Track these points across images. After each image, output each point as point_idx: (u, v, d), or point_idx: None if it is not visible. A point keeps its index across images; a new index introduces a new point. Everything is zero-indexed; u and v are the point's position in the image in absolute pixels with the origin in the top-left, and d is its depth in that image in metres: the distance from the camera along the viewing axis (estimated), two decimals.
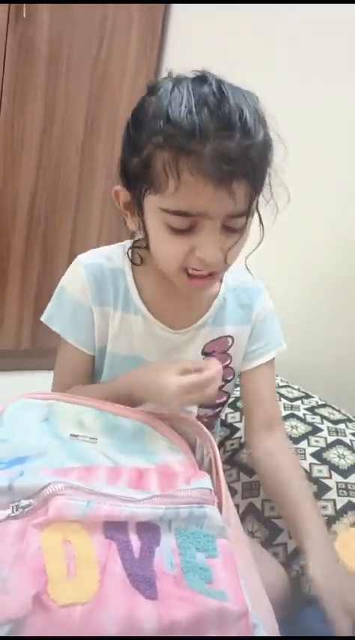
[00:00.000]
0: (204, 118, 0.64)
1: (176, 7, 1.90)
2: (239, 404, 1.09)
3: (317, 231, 1.36)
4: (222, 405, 0.94)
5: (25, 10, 1.68)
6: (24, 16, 1.68)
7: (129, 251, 0.84)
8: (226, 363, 0.88)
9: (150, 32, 1.90)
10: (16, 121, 1.78)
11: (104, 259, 0.85)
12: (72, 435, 0.66)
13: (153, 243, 0.75)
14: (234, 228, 0.71)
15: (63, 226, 1.91)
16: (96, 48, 1.84)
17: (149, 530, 0.55)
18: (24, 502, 0.54)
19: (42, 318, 0.86)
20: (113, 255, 0.85)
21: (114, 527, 0.53)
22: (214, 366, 0.73)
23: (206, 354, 0.87)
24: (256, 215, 0.75)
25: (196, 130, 0.64)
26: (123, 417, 0.72)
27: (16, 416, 0.65)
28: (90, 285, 0.83)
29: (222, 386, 0.89)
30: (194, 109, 0.64)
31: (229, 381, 0.90)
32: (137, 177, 0.71)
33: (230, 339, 0.87)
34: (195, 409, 0.89)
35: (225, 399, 0.94)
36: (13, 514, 0.53)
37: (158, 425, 0.73)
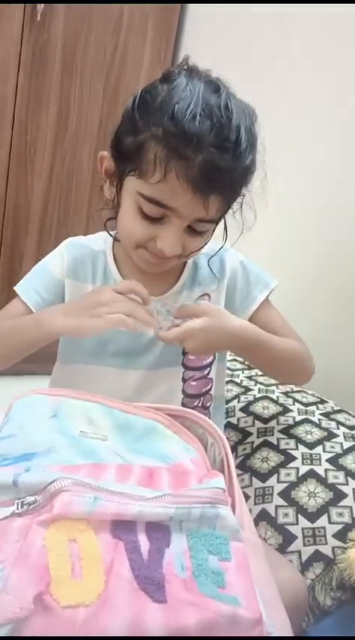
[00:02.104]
0: (205, 130, 0.67)
1: (190, 13, 1.90)
2: (251, 408, 1.06)
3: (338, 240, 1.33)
4: (206, 393, 0.93)
5: (39, 14, 1.68)
6: (38, 19, 1.68)
7: (107, 222, 0.87)
8: None
9: (164, 38, 1.90)
10: (29, 126, 1.78)
11: (88, 241, 0.92)
12: (81, 432, 0.64)
13: (122, 219, 0.79)
14: (198, 230, 0.76)
15: (75, 230, 1.90)
16: (110, 53, 1.84)
17: (159, 530, 0.52)
18: (29, 498, 0.52)
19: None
20: (98, 239, 0.91)
21: (122, 527, 0.51)
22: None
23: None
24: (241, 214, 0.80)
25: (195, 138, 0.67)
26: (134, 415, 0.70)
27: (24, 412, 0.63)
28: (68, 261, 0.88)
29: (207, 373, 0.90)
30: (198, 117, 0.67)
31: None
32: (126, 156, 0.74)
33: (207, 297, 0.90)
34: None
35: (209, 386, 0.93)
36: (17, 511, 0.51)
37: (169, 423, 0.70)
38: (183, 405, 0.89)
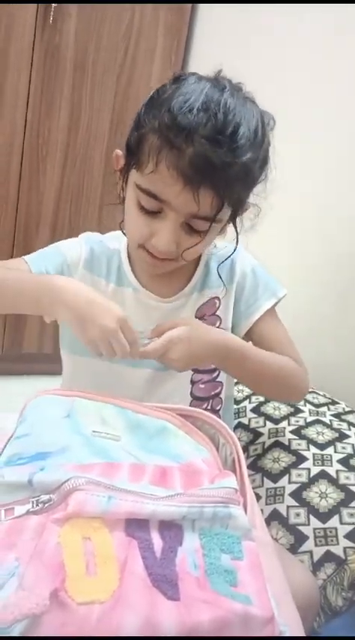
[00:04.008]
0: (198, 122, 0.69)
1: (201, 15, 1.90)
2: (262, 409, 1.06)
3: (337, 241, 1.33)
4: (216, 396, 0.93)
5: (51, 16, 1.69)
6: (50, 22, 1.69)
7: (122, 223, 0.87)
8: (217, 324, 0.91)
9: (175, 39, 1.91)
10: (41, 127, 1.79)
11: (104, 239, 0.92)
12: (94, 432, 0.65)
13: (125, 214, 0.81)
14: (195, 228, 0.76)
15: (87, 229, 1.91)
16: (121, 56, 1.85)
17: (171, 529, 0.53)
18: (44, 497, 0.53)
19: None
20: (113, 238, 0.92)
21: (135, 525, 0.51)
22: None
23: (198, 318, 0.90)
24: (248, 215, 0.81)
25: (187, 129, 0.68)
26: (146, 415, 0.70)
27: (38, 411, 0.64)
28: (86, 253, 0.89)
29: (217, 376, 0.90)
30: (194, 110, 0.69)
31: None
32: (130, 150, 0.77)
33: (217, 301, 0.91)
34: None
35: (219, 389, 0.93)
36: (32, 509, 0.52)
37: (181, 423, 0.71)
38: (192, 406, 0.89)
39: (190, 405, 0.90)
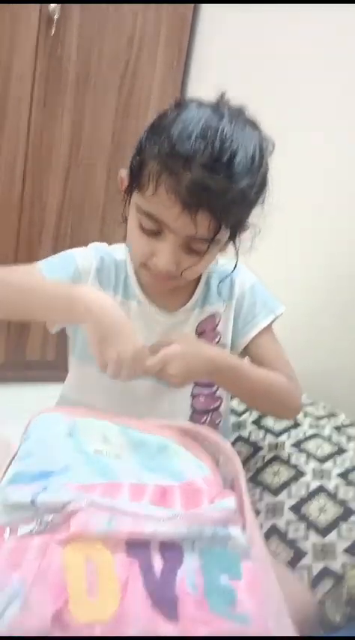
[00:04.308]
0: (196, 149, 0.71)
1: (202, 26, 1.92)
2: (263, 421, 1.07)
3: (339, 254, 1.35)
4: (216, 410, 0.94)
5: (54, 28, 1.71)
6: (52, 34, 1.71)
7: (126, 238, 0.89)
8: (216, 340, 0.93)
9: (176, 51, 1.92)
10: (44, 139, 1.80)
11: (112, 250, 0.94)
12: (96, 451, 0.66)
13: (128, 234, 0.84)
14: (194, 249, 0.78)
15: (89, 242, 1.92)
16: (123, 66, 1.87)
17: (172, 549, 0.54)
18: (47, 517, 0.54)
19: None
20: (120, 249, 0.93)
21: (136, 546, 0.53)
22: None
23: (199, 334, 0.92)
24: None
25: (185, 156, 0.71)
26: (148, 433, 0.71)
27: (42, 430, 0.65)
28: (97, 264, 0.90)
29: (216, 390, 0.93)
30: (192, 137, 0.71)
31: None
32: (133, 172, 0.79)
33: (217, 317, 0.93)
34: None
35: (218, 403, 0.95)
36: (35, 529, 0.53)
37: (183, 441, 0.72)
38: (192, 420, 0.90)
39: (190, 418, 0.91)
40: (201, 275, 0.92)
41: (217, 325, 0.93)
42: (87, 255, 0.91)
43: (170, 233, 0.76)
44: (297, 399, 0.94)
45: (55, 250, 1.87)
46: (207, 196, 0.71)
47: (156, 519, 0.55)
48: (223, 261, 0.92)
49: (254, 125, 0.79)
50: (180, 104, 0.78)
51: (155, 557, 0.53)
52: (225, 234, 0.79)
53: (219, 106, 0.76)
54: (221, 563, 0.55)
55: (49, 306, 0.81)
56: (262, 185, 0.79)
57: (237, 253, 0.84)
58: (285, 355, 0.94)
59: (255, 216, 0.81)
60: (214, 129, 0.72)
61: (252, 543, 0.61)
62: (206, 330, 0.92)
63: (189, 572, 0.53)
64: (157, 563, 0.52)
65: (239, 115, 0.77)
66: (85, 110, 1.84)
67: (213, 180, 0.71)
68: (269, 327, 0.94)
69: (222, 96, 0.80)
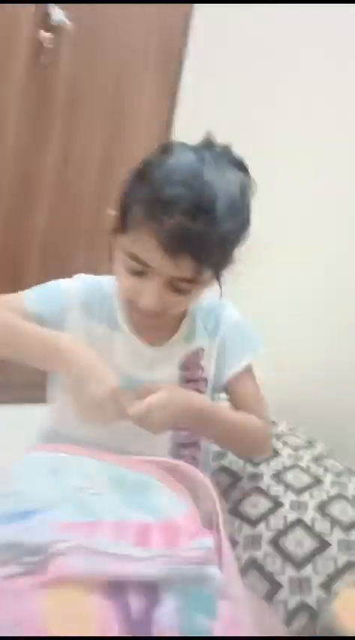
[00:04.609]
0: (177, 195, 0.74)
1: (191, 52, 1.95)
2: None
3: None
4: (195, 443, 0.96)
5: (44, 56, 1.73)
6: (42, 62, 1.74)
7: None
8: (199, 374, 0.95)
9: (164, 78, 1.95)
10: (32, 163, 1.82)
11: (100, 282, 0.95)
12: (78, 488, 0.67)
13: (114, 272, 0.86)
14: (179, 288, 0.80)
15: (75, 268, 1.93)
16: (112, 94, 1.89)
17: (149, 590, 0.55)
18: (28, 559, 0.55)
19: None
20: (107, 281, 0.95)
21: (114, 588, 0.54)
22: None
23: (183, 368, 0.94)
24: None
25: (167, 202, 0.74)
26: (129, 469, 0.73)
27: (26, 468, 0.67)
28: (82, 295, 0.92)
29: None
30: (174, 183, 0.74)
31: (202, 392, 0.94)
32: (118, 215, 0.82)
33: (201, 352, 0.95)
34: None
35: (198, 437, 0.96)
36: (16, 571, 0.54)
37: (163, 477, 0.73)
38: (172, 453, 0.92)
39: (171, 451, 0.92)
40: (186, 310, 0.94)
41: (201, 360, 0.94)
42: (73, 287, 0.93)
43: (154, 274, 0.79)
44: (268, 440, 1.00)
45: (41, 275, 1.88)
46: (189, 241, 0.74)
47: (136, 560, 0.56)
48: (210, 295, 0.93)
49: (239, 165, 0.82)
50: (165, 149, 0.80)
51: (132, 598, 0.54)
52: (208, 274, 0.81)
53: (202, 151, 0.79)
54: (197, 603, 0.57)
55: (25, 354, 0.84)
56: (244, 225, 0.81)
57: (221, 289, 0.86)
58: (261, 394, 0.98)
59: (241, 252, 0.84)
60: (195, 175, 0.75)
61: (229, 581, 0.62)
62: (190, 365, 0.94)
63: (165, 612, 0.54)
64: (134, 605, 0.54)
65: (223, 157, 0.80)
66: (73, 137, 1.86)
67: (194, 226, 0.73)
68: (250, 365, 0.96)
69: (208, 137, 0.83)
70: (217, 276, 0.84)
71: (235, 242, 0.81)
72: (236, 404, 0.97)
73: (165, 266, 0.77)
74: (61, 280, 0.95)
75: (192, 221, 0.74)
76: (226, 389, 0.97)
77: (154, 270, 0.78)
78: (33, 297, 0.90)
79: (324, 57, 1.43)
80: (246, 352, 0.96)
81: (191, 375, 0.93)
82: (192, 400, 0.86)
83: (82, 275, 0.97)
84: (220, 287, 0.86)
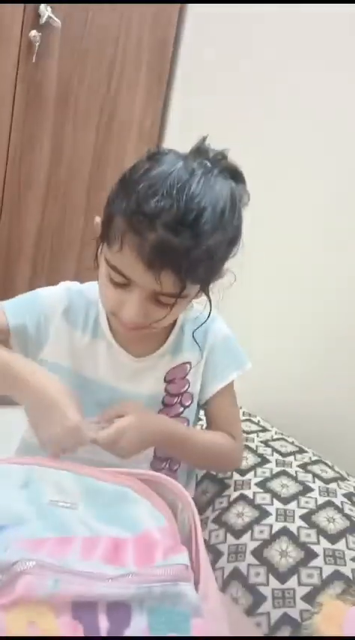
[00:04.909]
0: (161, 208, 0.70)
1: (183, 50, 1.93)
2: None
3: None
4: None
5: (35, 55, 1.72)
6: (33, 61, 1.72)
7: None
8: (185, 388, 0.93)
9: (156, 76, 1.94)
10: (23, 163, 1.81)
11: (85, 289, 0.93)
12: (51, 501, 0.66)
13: (99, 283, 0.84)
14: (162, 302, 0.77)
15: (67, 268, 1.92)
16: (104, 91, 1.88)
17: (119, 610, 0.54)
18: None
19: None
20: (91, 288, 0.92)
21: (82, 608, 0.52)
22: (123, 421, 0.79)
23: (168, 381, 0.92)
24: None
25: (149, 215, 0.70)
26: (106, 481, 0.71)
27: None
28: (65, 303, 0.90)
29: (180, 412, 0.93)
30: (158, 197, 0.70)
31: (187, 406, 0.93)
32: (103, 224, 0.79)
33: (188, 365, 0.92)
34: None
35: None
36: None
37: (141, 489, 0.72)
38: (152, 466, 0.90)
39: (151, 464, 0.91)
40: (174, 322, 0.91)
41: (187, 374, 0.92)
42: (55, 295, 0.91)
43: (136, 287, 0.76)
44: (239, 458, 1.00)
45: (34, 275, 1.87)
46: (171, 256, 0.71)
47: (105, 579, 0.54)
48: (198, 307, 0.91)
49: (233, 174, 0.78)
50: (152, 156, 0.76)
51: (101, 618, 0.52)
52: (194, 288, 0.78)
53: (191, 159, 0.75)
54: (169, 621, 0.55)
55: None
56: (234, 239, 0.78)
57: (210, 302, 0.84)
58: (238, 411, 0.98)
59: (232, 263, 0.81)
60: (181, 187, 0.71)
61: (205, 598, 0.61)
62: (175, 378, 0.92)
63: (136, 631, 0.53)
64: (103, 624, 0.52)
65: (215, 165, 0.76)
66: (65, 135, 1.85)
67: (177, 241, 0.70)
68: (231, 384, 0.95)
69: (200, 144, 0.78)
70: (205, 290, 0.81)
71: (223, 256, 0.78)
72: (212, 419, 0.96)
73: (147, 281, 0.74)
74: (40, 289, 0.93)
75: (175, 236, 0.70)
76: (205, 403, 0.95)
77: (135, 283, 0.76)
78: (12, 310, 0.88)
79: (319, 53, 1.41)
80: (232, 368, 0.94)
81: (176, 389, 0.92)
82: (162, 424, 0.86)
83: (67, 282, 0.95)
84: (209, 301, 0.84)
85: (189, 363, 0.92)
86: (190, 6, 1.88)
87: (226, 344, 0.95)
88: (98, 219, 0.83)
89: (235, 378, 0.94)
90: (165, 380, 0.91)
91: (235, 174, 0.79)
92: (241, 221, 0.78)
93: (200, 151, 0.78)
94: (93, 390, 0.89)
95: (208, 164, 0.76)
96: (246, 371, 0.95)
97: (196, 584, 0.60)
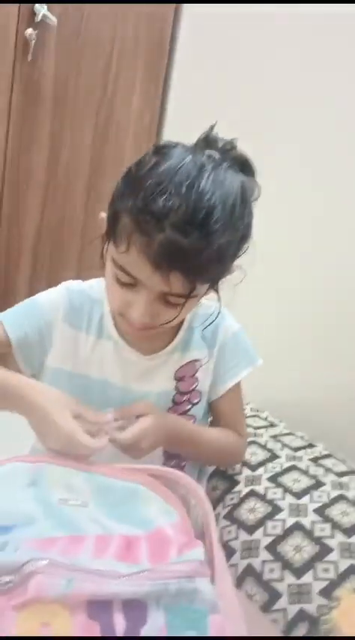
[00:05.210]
0: (170, 209, 0.66)
1: (180, 48, 1.92)
2: None
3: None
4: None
5: (30, 53, 1.71)
6: (29, 59, 1.71)
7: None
8: (194, 386, 0.91)
9: (154, 74, 1.92)
10: (22, 163, 1.79)
11: (87, 288, 0.90)
12: (61, 500, 0.64)
13: (105, 281, 0.81)
14: (171, 302, 0.74)
15: (67, 267, 1.91)
16: (101, 89, 1.86)
17: (135, 608, 0.52)
18: (4, 578, 0.52)
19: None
20: (96, 286, 0.90)
21: (98, 607, 0.51)
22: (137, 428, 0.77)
23: (178, 379, 0.89)
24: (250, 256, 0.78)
25: (157, 215, 0.67)
26: (116, 478, 0.69)
27: (3, 482, 0.63)
28: (66, 306, 0.87)
29: (188, 410, 0.91)
30: (167, 195, 0.67)
31: (195, 404, 0.91)
32: (109, 222, 0.76)
33: (197, 363, 0.90)
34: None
35: None
36: None
37: (152, 484, 0.70)
38: (163, 461, 0.89)
39: (162, 459, 0.89)
40: (183, 319, 0.89)
41: (197, 371, 0.90)
42: (54, 300, 0.88)
43: (143, 288, 0.73)
44: (242, 454, 1.00)
45: (34, 275, 1.85)
46: (180, 258, 0.68)
47: (120, 577, 0.53)
48: (207, 302, 0.88)
49: (243, 164, 0.74)
50: (158, 151, 0.72)
51: (117, 617, 0.51)
52: (203, 287, 0.76)
53: (200, 153, 0.72)
54: (187, 618, 0.54)
55: None
56: (244, 236, 0.75)
57: (219, 300, 0.82)
58: (243, 408, 0.97)
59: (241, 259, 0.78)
60: (190, 184, 0.67)
61: (222, 595, 0.59)
62: (185, 376, 0.89)
63: (153, 630, 0.51)
64: (120, 623, 0.51)
65: (224, 157, 0.72)
66: (63, 134, 1.83)
67: (186, 241, 0.66)
68: (240, 381, 0.93)
69: (208, 134, 0.75)
70: (214, 287, 0.79)
71: (234, 253, 0.75)
72: (219, 414, 0.94)
73: (155, 282, 0.70)
74: (39, 295, 0.89)
75: (185, 237, 0.66)
76: (213, 400, 0.93)
77: (143, 283, 0.72)
78: (11, 322, 0.86)
79: (317, 51, 1.40)
80: (242, 365, 0.92)
81: (186, 386, 0.89)
82: (177, 425, 0.85)
83: (68, 282, 0.91)
84: (219, 298, 0.81)
85: (199, 360, 0.90)
86: (186, 5, 1.87)
87: (236, 341, 0.92)
88: (103, 215, 0.79)
89: (246, 375, 0.92)
90: (174, 378, 0.89)
91: (245, 166, 0.75)
92: (251, 216, 0.75)
93: (208, 140, 0.74)
94: (102, 391, 0.87)
95: (217, 156, 0.72)
96: (256, 367, 0.93)
97: (212, 580, 0.59)
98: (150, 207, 0.67)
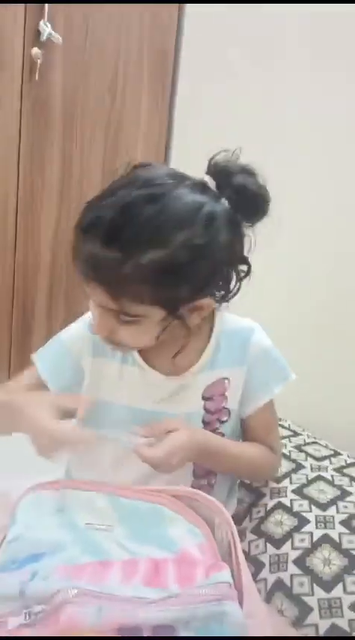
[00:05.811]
0: (94, 221, 0.69)
1: (185, 59, 1.92)
2: None
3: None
4: (211, 471, 0.90)
5: (37, 73, 1.73)
6: (36, 79, 1.73)
7: None
8: (223, 404, 0.88)
9: (160, 87, 1.93)
10: (34, 181, 1.81)
11: None
12: (87, 524, 0.65)
13: None
14: (122, 320, 0.74)
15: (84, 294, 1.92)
16: (109, 103, 1.88)
17: (165, 631, 0.52)
18: (36, 608, 0.53)
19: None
20: None
21: (128, 633, 0.51)
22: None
23: (206, 398, 0.87)
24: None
25: (84, 227, 0.70)
26: (140, 500, 0.70)
27: (30, 510, 0.64)
28: (88, 341, 0.86)
29: (216, 429, 0.89)
30: (99, 209, 0.69)
31: (224, 422, 0.89)
32: None
33: (226, 381, 0.87)
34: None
35: None
36: (25, 621, 0.52)
37: (175, 505, 0.70)
38: (192, 485, 0.87)
39: (191, 482, 0.88)
40: (210, 334, 0.87)
41: (226, 389, 0.87)
42: (76, 334, 0.89)
43: (92, 299, 0.75)
44: (276, 468, 0.98)
45: (52, 292, 1.86)
46: (97, 269, 0.69)
47: (148, 603, 0.53)
48: (234, 317, 0.88)
49: (201, 189, 0.73)
50: (131, 171, 0.75)
51: None
52: (152, 310, 0.73)
53: (157, 178, 0.72)
54: None
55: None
56: (218, 262, 0.74)
57: (188, 328, 0.78)
58: (277, 424, 0.95)
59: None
60: (125, 203, 0.68)
61: (251, 614, 0.59)
62: (214, 395, 0.87)
63: None
64: None
65: (192, 186, 0.72)
66: (74, 151, 1.85)
67: (102, 254, 0.68)
68: (272, 399, 0.90)
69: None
70: (173, 315, 0.74)
71: (184, 277, 0.71)
72: (251, 430, 0.91)
73: (89, 292, 0.73)
74: (62, 334, 0.90)
75: (104, 250, 0.67)
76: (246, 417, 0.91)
77: (89, 295, 0.75)
78: (48, 373, 0.87)
79: (323, 54, 1.39)
80: (275, 382, 0.89)
81: (215, 405, 0.87)
82: (208, 441, 0.83)
83: (85, 316, 0.90)
84: (187, 327, 0.78)
85: (227, 378, 0.87)
86: (188, 12, 1.87)
87: (267, 356, 0.89)
88: None
89: (278, 392, 0.89)
90: (203, 398, 0.86)
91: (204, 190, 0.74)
92: (220, 243, 0.72)
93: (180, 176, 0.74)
94: (131, 417, 0.85)
95: (180, 181, 0.72)
96: (289, 382, 0.90)
97: (240, 602, 0.59)
98: (83, 220, 0.70)
